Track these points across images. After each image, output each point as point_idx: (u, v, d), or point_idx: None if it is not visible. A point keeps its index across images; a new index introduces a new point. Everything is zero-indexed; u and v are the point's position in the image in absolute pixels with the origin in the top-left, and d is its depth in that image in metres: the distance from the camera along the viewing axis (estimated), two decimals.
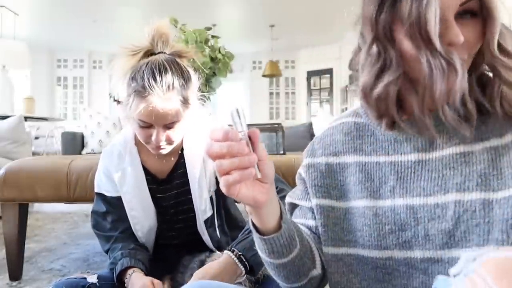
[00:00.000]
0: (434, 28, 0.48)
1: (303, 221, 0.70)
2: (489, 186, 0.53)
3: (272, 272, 0.64)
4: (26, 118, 4.13)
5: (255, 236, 0.59)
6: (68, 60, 7.88)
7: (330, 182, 0.66)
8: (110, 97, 3.33)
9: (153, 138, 0.95)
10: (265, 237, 0.57)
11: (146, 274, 0.96)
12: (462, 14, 0.51)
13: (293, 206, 0.74)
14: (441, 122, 0.55)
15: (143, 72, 0.92)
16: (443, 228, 0.55)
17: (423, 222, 0.57)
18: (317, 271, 0.65)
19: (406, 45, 0.51)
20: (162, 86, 0.91)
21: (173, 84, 0.93)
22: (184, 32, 2.01)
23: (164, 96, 0.91)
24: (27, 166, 1.58)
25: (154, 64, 0.93)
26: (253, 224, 0.58)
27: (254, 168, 0.48)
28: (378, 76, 0.55)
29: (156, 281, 0.91)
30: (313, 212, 0.68)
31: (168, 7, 5.24)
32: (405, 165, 0.59)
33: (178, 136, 1.00)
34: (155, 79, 0.91)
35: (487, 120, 0.55)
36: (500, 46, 0.52)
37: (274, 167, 0.53)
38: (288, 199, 0.75)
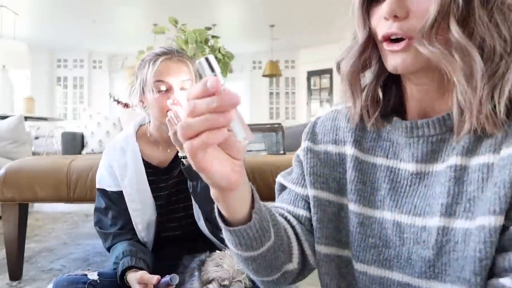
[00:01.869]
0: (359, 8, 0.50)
1: (292, 208, 0.61)
2: (472, 213, 0.44)
3: (240, 264, 0.55)
4: (26, 118, 4.13)
5: (221, 226, 0.49)
6: (68, 60, 7.88)
7: (330, 173, 0.58)
8: (110, 97, 3.34)
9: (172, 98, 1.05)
10: (231, 228, 0.47)
11: (150, 272, 0.96)
12: None
13: (283, 188, 0.66)
14: (448, 128, 0.48)
15: (153, 51, 1.09)
16: (424, 255, 0.47)
17: (408, 244, 0.49)
18: (292, 265, 0.57)
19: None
20: (172, 50, 1.08)
21: (182, 53, 1.10)
22: (184, 32, 2.01)
23: (176, 56, 1.07)
24: (27, 166, 1.58)
25: (161, 46, 1.11)
26: (220, 213, 0.48)
27: (233, 129, 0.37)
28: (353, 56, 0.53)
29: (147, 275, 0.91)
30: (306, 201, 0.60)
31: (168, 7, 5.23)
32: (402, 175, 0.52)
33: None
34: (165, 49, 1.08)
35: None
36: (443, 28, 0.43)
37: None
38: (280, 179, 0.66)
